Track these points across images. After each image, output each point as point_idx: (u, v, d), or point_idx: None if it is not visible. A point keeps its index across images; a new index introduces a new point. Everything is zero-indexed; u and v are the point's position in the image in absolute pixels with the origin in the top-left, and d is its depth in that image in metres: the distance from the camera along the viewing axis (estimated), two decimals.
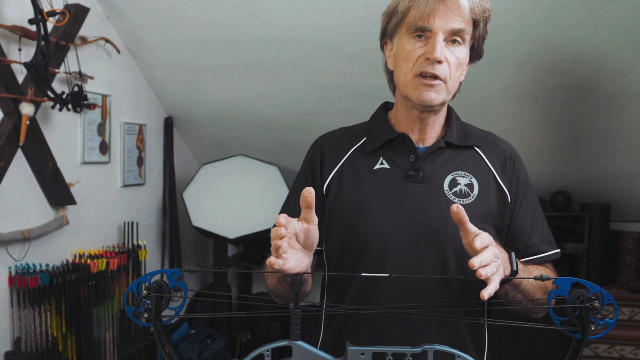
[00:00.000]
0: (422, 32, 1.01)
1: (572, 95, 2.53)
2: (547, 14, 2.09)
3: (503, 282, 0.94)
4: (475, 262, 0.82)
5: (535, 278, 0.90)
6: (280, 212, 1.21)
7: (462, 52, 1.03)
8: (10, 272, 2.12)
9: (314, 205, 0.88)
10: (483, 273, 0.82)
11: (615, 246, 3.22)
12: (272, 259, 0.87)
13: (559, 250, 1.15)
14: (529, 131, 2.80)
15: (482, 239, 0.85)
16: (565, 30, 2.16)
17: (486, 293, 0.82)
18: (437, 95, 1.03)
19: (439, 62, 1.00)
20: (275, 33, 2.45)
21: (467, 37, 1.03)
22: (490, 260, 0.84)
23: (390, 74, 1.14)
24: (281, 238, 0.86)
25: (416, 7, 1.00)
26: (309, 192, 0.87)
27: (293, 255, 0.90)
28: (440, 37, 1.00)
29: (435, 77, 1.02)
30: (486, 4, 1.04)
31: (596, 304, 0.86)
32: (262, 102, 2.96)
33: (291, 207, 1.18)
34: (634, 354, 3.05)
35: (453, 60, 1.02)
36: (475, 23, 1.03)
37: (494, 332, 1.14)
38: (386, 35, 1.11)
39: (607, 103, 2.52)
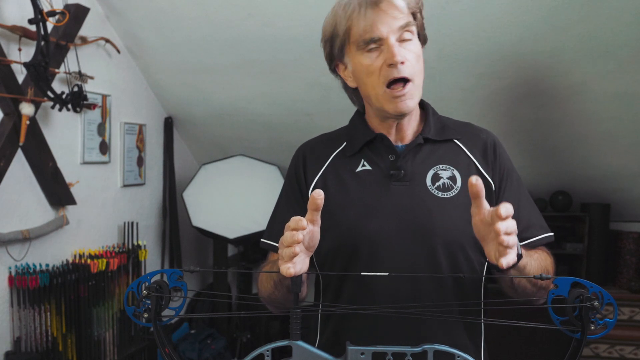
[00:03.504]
0: (374, 43, 1.02)
1: (572, 95, 2.53)
2: (547, 14, 2.09)
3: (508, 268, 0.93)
4: (501, 226, 0.81)
5: (535, 277, 0.90)
6: (270, 222, 1.21)
7: (416, 45, 1.05)
8: (10, 272, 2.12)
9: (321, 208, 0.89)
10: (506, 240, 0.81)
11: (615, 246, 3.22)
12: (290, 270, 0.85)
13: (552, 233, 1.14)
14: (529, 131, 2.80)
15: (507, 207, 0.83)
16: (565, 30, 2.16)
17: (505, 261, 0.82)
18: (411, 100, 1.05)
19: (402, 63, 1.01)
20: (275, 33, 2.45)
21: (414, 29, 1.05)
22: (514, 229, 0.83)
23: (352, 91, 1.17)
24: (298, 243, 0.85)
25: (356, 23, 1.02)
26: (319, 195, 0.87)
27: (298, 258, 0.90)
28: (392, 40, 1.01)
29: (405, 80, 1.03)
30: None
31: (596, 303, 0.86)
32: (262, 102, 2.96)
33: (280, 219, 1.17)
34: (634, 354, 3.05)
35: (412, 56, 1.04)
36: (413, 15, 1.05)
37: (493, 331, 1.14)
38: (335, 59, 1.13)
39: (606, 103, 2.52)
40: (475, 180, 0.85)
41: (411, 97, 1.04)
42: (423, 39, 1.11)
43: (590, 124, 2.67)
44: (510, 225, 0.83)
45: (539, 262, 1.05)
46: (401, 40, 1.03)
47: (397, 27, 1.01)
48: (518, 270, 1.00)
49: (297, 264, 0.88)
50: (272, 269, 1.10)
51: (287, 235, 0.87)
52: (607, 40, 2.16)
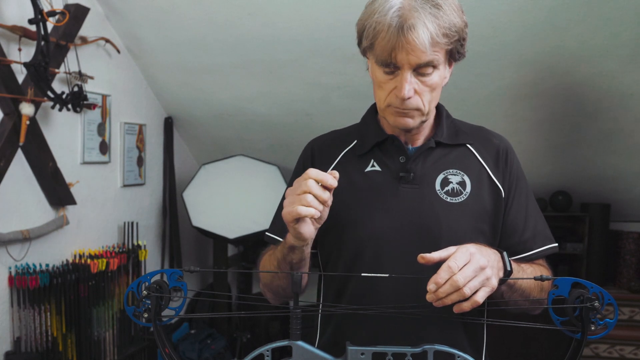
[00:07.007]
0: (391, 66, 0.99)
1: (572, 95, 2.53)
2: (547, 14, 2.09)
3: (499, 284, 0.94)
4: (430, 286, 0.87)
5: (536, 278, 0.90)
6: (276, 216, 1.21)
7: (435, 77, 1.01)
8: (10, 272, 2.12)
9: (334, 188, 0.94)
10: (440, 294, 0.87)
11: (615, 246, 3.22)
12: (303, 209, 0.91)
13: (555, 244, 1.14)
14: (529, 131, 2.80)
15: (432, 283, 0.87)
16: (565, 30, 2.16)
17: (457, 308, 0.88)
18: (412, 120, 1.04)
19: (409, 98, 0.99)
20: (275, 33, 2.45)
21: (439, 62, 1.00)
22: (473, 274, 0.87)
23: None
24: (331, 188, 0.93)
25: (379, 42, 0.98)
26: (335, 175, 0.93)
27: (310, 226, 0.96)
28: (407, 74, 0.98)
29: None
30: (453, 21, 0.97)
31: (596, 304, 0.86)
32: (262, 102, 2.96)
33: None
34: (634, 354, 3.05)
35: (425, 89, 1.01)
36: (451, 43, 1.00)
37: (493, 332, 1.14)
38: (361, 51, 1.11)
39: (607, 103, 2.52)
40: (420, 259, 0.91)
41: (412, 117, 1.03)
42: (459, 56, 1.05)
43: (591, 123, 2.67)
44: (468, 273, 0.87)
45: (531, 278, 1.05)
46: (419, 73, 0.99)
47: (416, 64, 0.97)
48: (509, 286, 1.00)
49: (310, 226, 0.95)
50: (274, 252, 1.10)
51: (319, 189, 0.92)
52: (607, 40, 2.16)
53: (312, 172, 0.93)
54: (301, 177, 0.94)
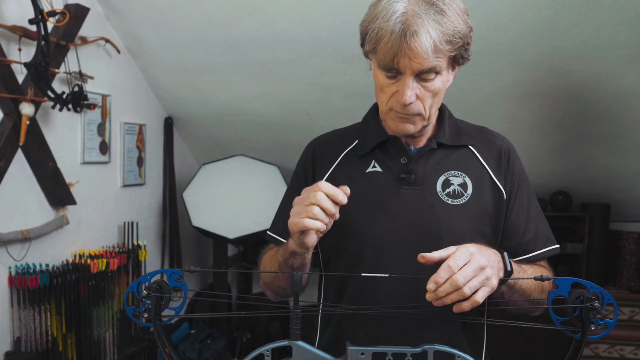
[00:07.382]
0: (393, 71, 0.98)
1: (572, 95, 2.53)
2: (547, 14, 2.09)
3: (500, 284, 0.94)
4: (429, 285, 0.86)
5: (536, 278, 0.90)
6: (276, 216, 1.22)
7: (437, 82, 1.00)
8: (10, 272, 2.12)
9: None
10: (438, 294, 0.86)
11: (615, 246, 3.22)
12: (307, 223, 0.91)
13: (557, 246, 1.14)
14: (529, 131, 2.80)
15: (433, 281, 0.87)
16: (565, 30, 2.16)
17: (457, 308, 0.87)
18: (414, 126, 1.04)
19: (410, 103, 0.99)
20: (275, 33, 2.45)
21: (442, 68, 0.99)
22: (473, 274, 0.86)
23: None
24: (341, 204, 0.92)
25: (381, 47, 0.97)
26: (346, 192, 0.92)
27: (313, 236, 0.96)
28: (409, 80, 0.97)
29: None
30: (457, 27, 0.96)
31: (596, 304, 0.86)
32: (262, 102, 2.96)
33: (286, 213, 1.16)
34: (634, 354, 3.05)
35: (427, 94, 1.00)
36: (455, 48, 0.99)
37: (493, 332, 1.14)
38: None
39: (607, 103, 2.52)
40: (421, 258, 0.91)
41: (413, 123, 1.03)
42: (463, 61, 1.04)
43: (591, 124, 2.67)
44: (468, 272, 0.86)
45: (531, 278, 1.04)
46: (421, 78, 0.98)
47: (419, 70, 0.96)
48: (509, 287, 1.00)
49: (314, 236, 0.95)
50: (276, 254, 1.11)
51: (329, 203, 0.91)
52: (607, 40, 2.16)
53: (323, 185, 0.92)
54: (311, 188, 0.93)
